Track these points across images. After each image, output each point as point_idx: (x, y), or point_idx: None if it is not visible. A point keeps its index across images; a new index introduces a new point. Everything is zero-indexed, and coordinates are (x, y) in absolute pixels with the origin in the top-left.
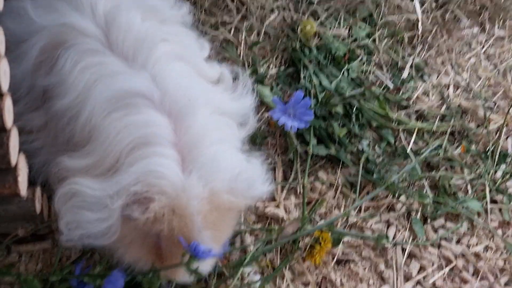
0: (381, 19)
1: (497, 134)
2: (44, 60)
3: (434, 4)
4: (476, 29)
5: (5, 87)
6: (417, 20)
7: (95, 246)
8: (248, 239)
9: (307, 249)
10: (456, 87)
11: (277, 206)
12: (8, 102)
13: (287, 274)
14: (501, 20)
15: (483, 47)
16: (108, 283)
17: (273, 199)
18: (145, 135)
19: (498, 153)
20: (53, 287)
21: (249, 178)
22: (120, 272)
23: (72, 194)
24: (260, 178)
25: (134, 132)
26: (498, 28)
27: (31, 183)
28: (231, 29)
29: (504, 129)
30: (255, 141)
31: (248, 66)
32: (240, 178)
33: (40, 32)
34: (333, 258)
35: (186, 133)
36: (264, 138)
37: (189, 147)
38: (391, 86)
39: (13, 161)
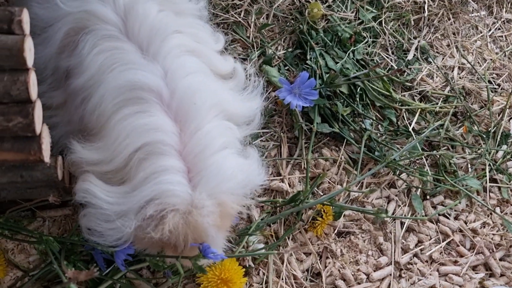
0: (388, 2)
1: (500, 116)
2: (67, 43)
3: None
4: (483, 12)
5: (30, 63)
6: (424, 2)
7: None
8: (254, 210)
9: (309, 221)
10: (461, 69)
11: (282, 181)
12: (33, 76)
13: (290, 244)
14: (509, 3)
15: (489, 30)
16: (121, 251)
17: (278, 173)
18: (154, 142)
19: (500, 134)
20: (71, 250)
21: (250, 181)
22: None
23: (93, 207)
24: (257, 174)
25: (142, 137)
26: (505, 11)
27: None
28: (241, 12)
29: (507, 111)
30: (263, 119)
31: (257, 47)
32: (243, 184)
33: (65, 18)
34: (334, 230)
35: (191, 140)
36: (271, 116)
37: (194, 154)
38: (396, 68)
39: (37, 130)
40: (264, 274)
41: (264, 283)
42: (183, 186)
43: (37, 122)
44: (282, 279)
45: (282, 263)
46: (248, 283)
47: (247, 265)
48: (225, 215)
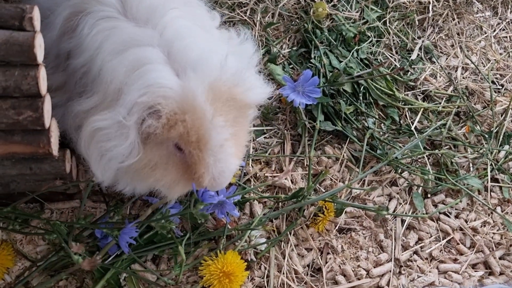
0: (393, 2)
1: (503, 116)
2: (68, 27)
3: None
4: (488, 13)
5: (41, 58)
6: (429, 3)
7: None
8: (257, 206)
9: (311, 217)
10: (465, 69)
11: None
12: (42, 72)
13: (292, 239)
14: None
15: (494, 30)
16: (124, 234)
17: (281, 170)
18: (139, 57)
19: (502, 134)
20: (78, 240)
21: (238, 70)
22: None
23: (91, 133)
24: (250, 76)
25: (128, 60)
26: (510, 12)
27: (62, 145)
28: (247, 10)
29: (510, 111)
30: (267, 116)
31: (262, 46)
32: (229, 70)
33: (64, 3)
34: (336, 227)
35: (165, 29)
36: (275, 113)
37: (170, 41)
38: (399, 67)
39: (46, 124)
40: (265, 268)
41: (265, 277)
42: (169, 76)
43: (46, 116)
44: (283, 273)
45: (284, 257)
46: (249, 277)
47: (249, 259)
48: (221, 97)
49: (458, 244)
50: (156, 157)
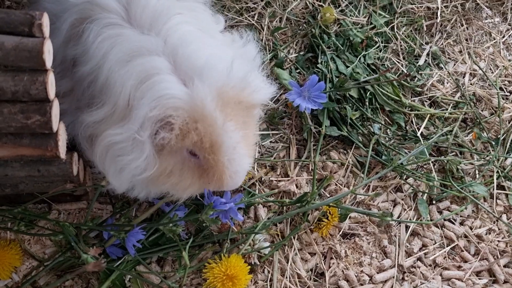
0: (401, 7)
1: (510, 123)
2: (73, 33)
3: None
4: (497, 19)
5: (49, 64)
6: (437, 8)
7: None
8: (261, 210)
9: (315, 221)
10: (473, 75)
11: (290, 180)
12: (51, 77)
13: (296, 243)
14: None
15: (503, 36)
16: (131, 236)
17: (286, 174)
18: (146, 68)
19: (509, 141)
20: (84, 242)
21: (243, 74)
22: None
23: (106, 147)
24: (254, 78)
25: (135, 72)
26: None
27: (69, 148)
28: (254, 15)
29: None
30: (273, 121)
31: (269, 50)
32: (236, 74)
33: (70, 9)
34: (339, 232)
35: (169, 36)
36: (281, 118)
37: (175, 49)
38: (406, 73)
39: (54, 127)
40: (269, 272)
41: (268, 280)
42: (177, 86)
43: (54, 120)
44: (287, 277)
45: (287, 261)
46: (253, 280)
47: (253, 263)
48: (230, 102)
49: (462, 251)
50: (171, 164)
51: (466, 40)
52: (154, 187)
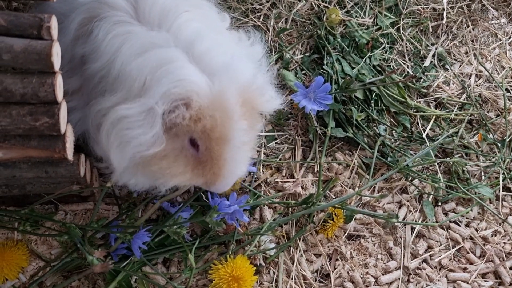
0: (406, 8)
1: None
2: (82, 32)
3: None
4: (503, 20)
5: (57, 66)
6: (443, 10)
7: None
8: (267, 211)
9: (320, 223)
10: (478, 77)
11: (295, 183)
12: (59, 79)
13: (301, 245)
14: None
15: (509, 37)
16: (137, 238)
17: (291, 176)
18: (163, 56)
19: None
20: (91, 242)
21: (262, 81)
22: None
23: (116, 121)
24: (269, 88)
25: (153, 59)
26: None
27: (76, 150)
28: (260, 16)
29: None
30: (278, 122)
31: (275, 51)
32: (257, 79)
33: (79, 8)
34: (345, 233)
35: (180, 31)
36: (287, 119)
37: (189, 43)
38: (411, 74)
39: (62, 129)
40: (274, 273)
41: (274, 282)
42: (198, 75)
43: (62, 122)
44: (292, 278)
45: (292, 263)
46: (258, 281)
47: (258, 264)
48: (246, 103)
49: (468, 253)
50: (169, 148)
51: (472, 41)
52: (144, 169)
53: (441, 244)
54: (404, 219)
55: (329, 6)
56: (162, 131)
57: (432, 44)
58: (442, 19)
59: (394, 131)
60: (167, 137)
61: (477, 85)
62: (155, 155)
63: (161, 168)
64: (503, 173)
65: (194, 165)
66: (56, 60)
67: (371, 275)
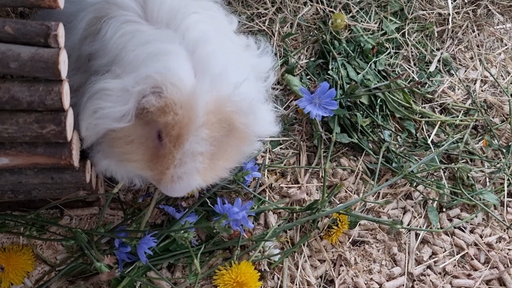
0: (412, 13)
1: None
2: (90, 31)
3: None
4: (509, 25)
5: (64, 74)
6: (448, 15)
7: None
8: (271, 216)
9: (325, 229)
10: (484, 82)
11: (300, 188)
12: (66, 87)
13: (305, 250)
14: None
15: None
16: (143, 243)
17: (296, 181)
18: (163, 47)
19: None
20: (96, 248)
21: (250, 99)
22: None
23: (95, 90)
24: (262, 109)
25: (151, 48)
26: None
27: (82, 157)
28: (265, 20)
29: None
30: (283, 127)
31: (280, 56)
32: (242, 95)
33: (87, 8)
34: (349, 239)
35: (188, 31)
36: (292, 124)
37: (194, 43)
38: (417, 80)
39: (69, 137)
40: (278, 279)
41: (278, 287)
42: (187, 71)
43: (68, 130)
44: (296, 284)
45: (297, 268)
46: (263, 287)
47: (263, 269)
48: (221, 119)
49: (472, 259)
50: (137, 134)
51: (478, 46)
52: (108, 148)
53: (445, 250)
54: (408, 225)
55: (334, 11)
56: (133, 111)
57: (438, 49)
58: (447, 24)
59: (399, 136)
60: (138, 122)
61: (482, 91)
62: (122, 137)
63: (123, 152)
64: (508, 179)
65: (150, 157)
66: (63, 68)
67: (375, 281)
